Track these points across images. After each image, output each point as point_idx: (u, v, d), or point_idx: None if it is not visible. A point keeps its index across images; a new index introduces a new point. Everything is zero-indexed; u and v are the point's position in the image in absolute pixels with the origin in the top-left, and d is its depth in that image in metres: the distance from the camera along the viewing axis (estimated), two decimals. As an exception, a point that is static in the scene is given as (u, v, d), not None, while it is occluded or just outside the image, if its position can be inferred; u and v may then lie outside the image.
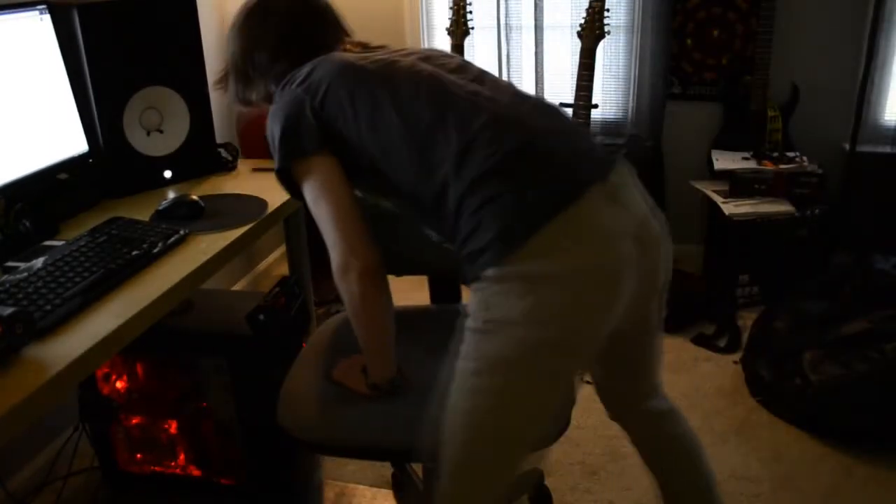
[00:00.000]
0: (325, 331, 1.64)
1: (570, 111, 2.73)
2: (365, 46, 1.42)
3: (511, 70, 3.07)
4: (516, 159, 1.06)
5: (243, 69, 1.41)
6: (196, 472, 1.93)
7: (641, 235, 1.11)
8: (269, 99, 1.37)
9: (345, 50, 1.38)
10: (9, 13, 1.53)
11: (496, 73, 3.00)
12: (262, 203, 1.73)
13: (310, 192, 1.19)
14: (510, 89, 1.24)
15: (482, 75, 1.27)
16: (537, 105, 1.20)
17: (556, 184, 1.04)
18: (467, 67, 1.29)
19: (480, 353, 1.06)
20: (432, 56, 1.30)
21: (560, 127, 1.15)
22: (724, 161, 2.83)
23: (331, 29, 1.43)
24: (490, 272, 1.03)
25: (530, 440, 1.13)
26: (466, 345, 1.08)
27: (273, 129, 1.23)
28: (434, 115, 1.13)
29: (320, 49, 1.34)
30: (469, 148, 1.08)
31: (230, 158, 2.04)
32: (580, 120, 2.67)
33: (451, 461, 1.13)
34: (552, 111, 1.20)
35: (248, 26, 1.40)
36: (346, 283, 1.15)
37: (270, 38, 1.38)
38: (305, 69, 1.27)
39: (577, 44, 2.66)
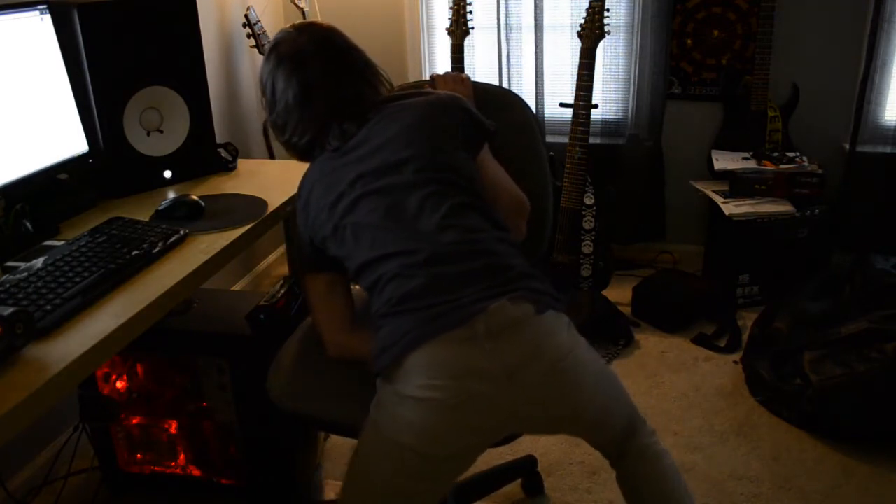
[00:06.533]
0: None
1: (569, 111, 2.73)
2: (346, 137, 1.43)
3: (511, 70, 3.07)
4: (407, 302, 1.23)
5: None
6: (196, 472, 1.93)
7: (513, 374, 1.18)
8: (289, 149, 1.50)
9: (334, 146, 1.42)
10: (9, 13, 1.53)
11: (496, 73, 3.05)
12: (262, 203, 1.73)
13: (306, 295, 1.49)
14: (440, 223, 1.28)
15: (424, 200, 1.30)
16: (450, 250, 1.26)
17: (421, 326, 1.19)
18: (412, 194, 1.32)
19: (371, 419, 1.25)
20: (394, 184, 1.33)
21: (457, 271, 1.24)
22: (724, 161, 2.83)
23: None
24: (378, 380, 1.26)
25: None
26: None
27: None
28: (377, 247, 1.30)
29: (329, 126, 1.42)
30: (386, 285, 1.26)
31: (230, 158, 2.04)
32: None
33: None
34: (464, 252, 1.26)
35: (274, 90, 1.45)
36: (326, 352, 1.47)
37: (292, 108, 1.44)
38: (304, 189, 1.43)
39: (577, 44, 2.66)
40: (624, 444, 1.33)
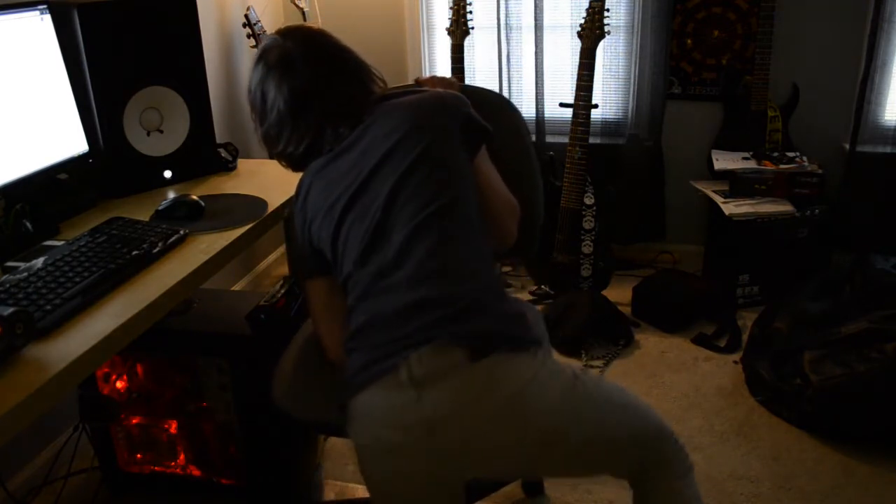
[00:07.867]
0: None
1: (569, 111, 2.73)
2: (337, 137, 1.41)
3: (511, 70, 3.07)
4: (353, 339, 1.27)
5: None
6: (196, 472, 1.93)
7: (437, 426, 1.17)
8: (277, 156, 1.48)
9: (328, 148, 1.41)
10: (9, 13, 1.53)
11: (496, 73, 3.05)
12: (262, 203, 1.74)
13: (306, 300, 1.48)
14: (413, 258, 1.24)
15: (405, 205, 1.27)
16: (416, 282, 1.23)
17: (357, 373, 1.23)
18: (399, 218, 1.28)
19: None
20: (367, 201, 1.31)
21: (399, 306, 1.22)
22: (724, 161, 2.83)
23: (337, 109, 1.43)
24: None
25: None
26: None
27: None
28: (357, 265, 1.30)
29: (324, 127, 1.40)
30: (349, 315, 1.30)
31: (230, 158, 2.04)
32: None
33: None
34: (416, 278, 1.23)
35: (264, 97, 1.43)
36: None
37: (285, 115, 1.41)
38: (301, 189, 1.41)
39: (577, 44, 2.66)
40: (644, 472, 1.25)
